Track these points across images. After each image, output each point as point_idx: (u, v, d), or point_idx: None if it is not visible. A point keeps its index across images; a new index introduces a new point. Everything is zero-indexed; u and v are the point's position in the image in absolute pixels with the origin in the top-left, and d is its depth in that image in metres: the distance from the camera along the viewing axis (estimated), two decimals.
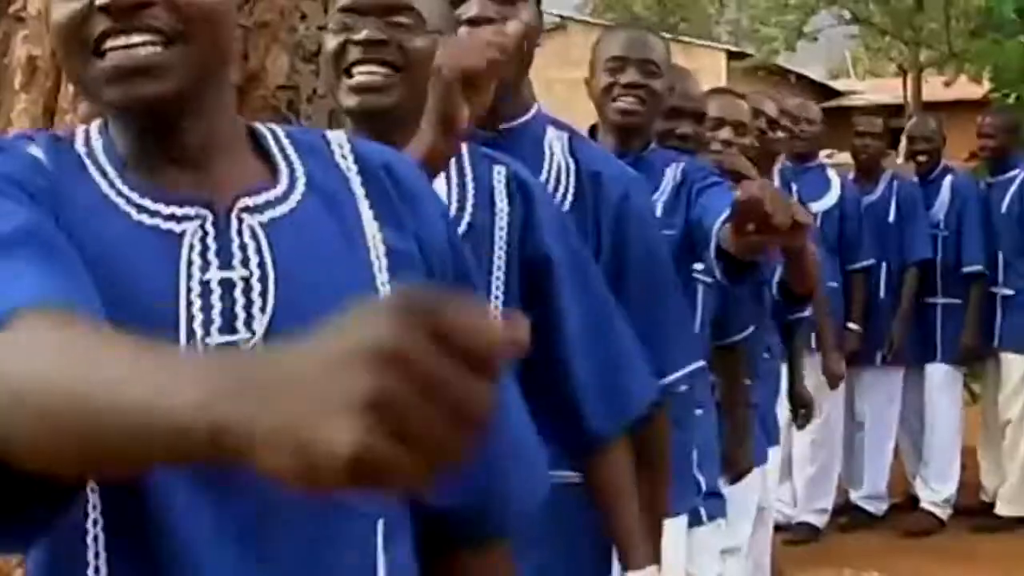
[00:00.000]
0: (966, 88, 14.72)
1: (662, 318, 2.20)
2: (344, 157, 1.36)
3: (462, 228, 1.81)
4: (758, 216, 1.96)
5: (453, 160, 1.87)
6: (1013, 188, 6.07)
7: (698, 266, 2.84)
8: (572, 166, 2.16)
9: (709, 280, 2.95)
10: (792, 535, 5.71)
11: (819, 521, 5.89)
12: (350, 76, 1.78)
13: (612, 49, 2.81)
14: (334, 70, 1.80)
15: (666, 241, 2.57)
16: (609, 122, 2.82)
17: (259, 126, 1.35)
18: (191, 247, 1.22)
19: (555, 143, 2.20)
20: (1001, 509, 6.09)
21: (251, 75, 2.57)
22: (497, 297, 1.88)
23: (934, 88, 18.27)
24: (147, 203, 1.23)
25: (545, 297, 1.87)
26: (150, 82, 1.19)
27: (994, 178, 6.22)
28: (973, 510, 6.21)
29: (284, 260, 1.24)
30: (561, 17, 23.10)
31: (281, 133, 1.36)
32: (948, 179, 6.11)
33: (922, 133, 6.18)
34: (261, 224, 1.25)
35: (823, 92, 22.79)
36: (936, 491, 6.11)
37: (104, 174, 1.25)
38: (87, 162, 1.27)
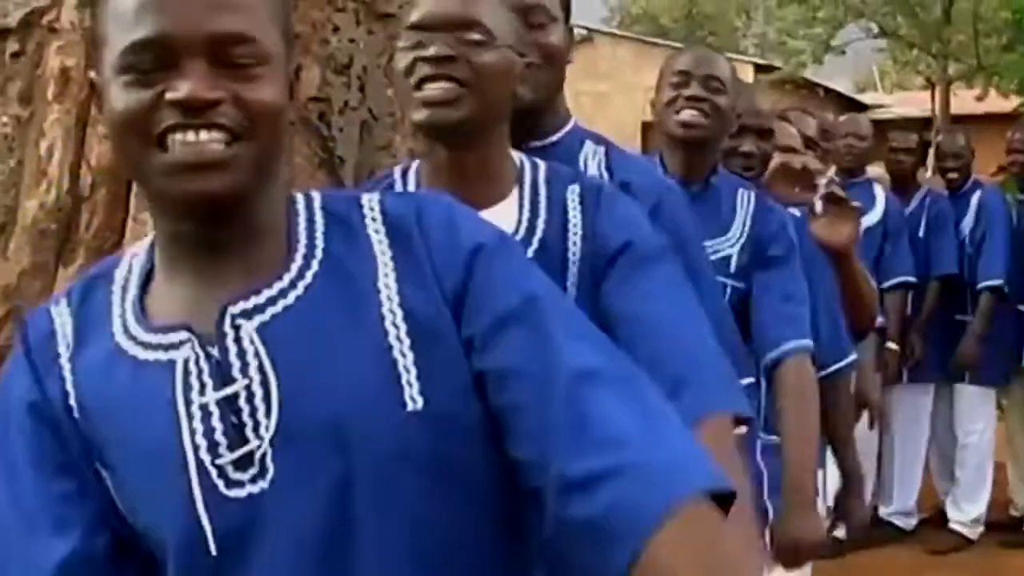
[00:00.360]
0: (995, 102, 14.66)
1: None
2: (374, 220, 1.33)
3: (533, 247, 1.80)
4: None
5: (527, 180, 1.87)
6: None
7: None
8: (607, 179, 2.12)
9: None
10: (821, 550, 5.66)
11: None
12: (420, 91, 1.78)
13: (677, 66, 2.78)
14: (405, 87, 1.81)
15: (735, 291, 2.68)
16: (671, 138, 2.78)
17: (299, 198, 1.35)
18: (186, 373, 1.23)
19: (591, 158, 2.18)
20: None
21: None
22: None
23: (962, 101, 18.20)
24: (149, 338, 1.25)
25: (601, 293, 1.78)
26: (213, 177, 1.20)
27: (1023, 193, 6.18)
28: (1002, 525, 6.16)
29: (284, 359, 1.23)
30: (588, 30, 23.11)
31: (317, 204, 1.35)
32: (977, 194, 6.05)
33: (951, 149, 6.10)
34: (261, 325, 1.24)
35: (850, 105, 22.71)
36: (965, 511, 6.06)
37: (123, 314, 1.29)
38: (115, 302, 1.30)
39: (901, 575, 5.52)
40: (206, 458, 1.20)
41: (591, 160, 2.18)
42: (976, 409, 6.02)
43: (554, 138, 2.18)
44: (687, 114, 2.72)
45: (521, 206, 1.84)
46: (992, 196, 6.11)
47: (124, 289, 1.31)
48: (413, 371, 1.24)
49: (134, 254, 1.34)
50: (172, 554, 1.21)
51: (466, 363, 1.26)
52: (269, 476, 1.20)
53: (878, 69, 32.08)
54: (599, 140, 2.23)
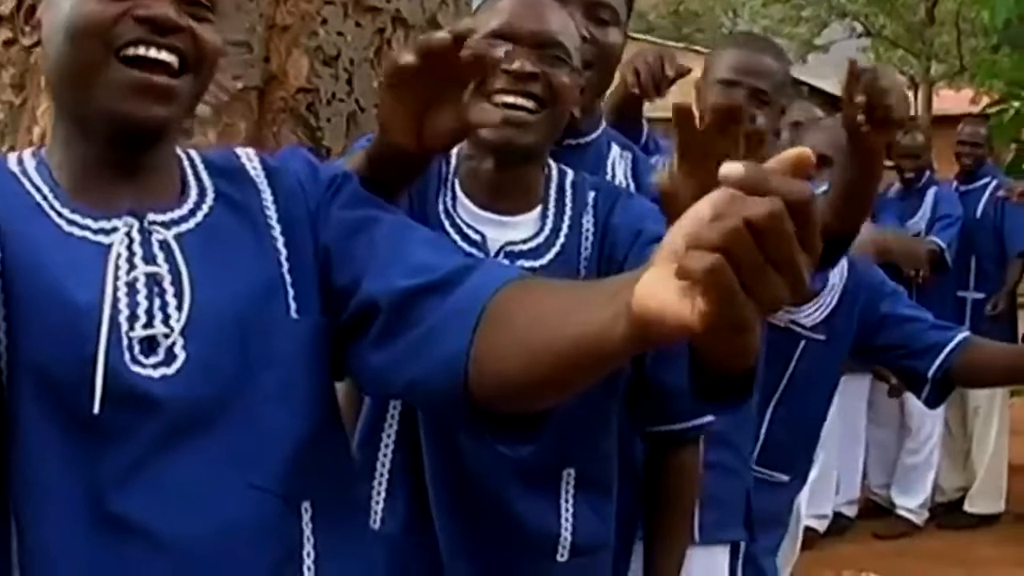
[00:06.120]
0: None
1: None
2: (255, 167, 1.47)
3: (553, 252, 1.80)
4: (875, 97, 1.92)
5: (554, 189, 1.86)
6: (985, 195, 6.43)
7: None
8: (632, 187, 2.13)
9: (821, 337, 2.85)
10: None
11: (820, 526, 5.95)
12: (495, 104, 1.73)
13: (723, 72, 2.53)
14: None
15: None
16: None
17: (181, 152, 1.46)
18: (118, 254, 1.32)
19: (618, 163, 2.18)
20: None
21: (271, 77, 2.63)
22: None
23: (944, 100, 18.30)
24: (76, 218, 1.33)
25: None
26: (158, 104, 1.31)
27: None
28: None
29: (197, 264, 1.35)
30: None
31: (197, 158, 1.47)
32: (932, 190, 6.33)
33: (911, 149, 6.34)
34: (177, 235, 1.36)
35: (834, 104, 22.76)
36: (913, 498, 6.30)
37: (38, 189, 1.35)
38: (21, 179, 1.37)
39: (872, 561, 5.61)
40: (123, 325, 1.29)
41: (618, 165, 2.19)
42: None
43: (588, 138, 2.18)
44: None
45: (544, 215, 1.83)
46: (947, 191, 6.43)
47: (24, 174, 1.37)
48: (291, 286, 1.39)
49: (18, 156, 1.41)
50: (53, 395, 1.26)
51: (318, 276, 1.42)
52: (176, 364, 1.30)
53: None
54: (626, 146, 2.24)
